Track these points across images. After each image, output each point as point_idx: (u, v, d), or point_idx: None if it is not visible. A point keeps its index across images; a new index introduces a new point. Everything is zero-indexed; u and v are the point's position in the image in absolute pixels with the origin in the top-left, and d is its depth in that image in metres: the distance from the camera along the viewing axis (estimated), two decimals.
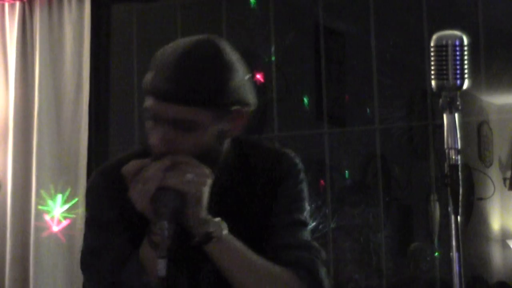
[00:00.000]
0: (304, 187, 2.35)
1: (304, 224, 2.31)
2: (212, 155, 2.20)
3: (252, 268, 2.27)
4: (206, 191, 2.15)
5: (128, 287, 2.24)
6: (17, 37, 5.34)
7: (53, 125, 5.17)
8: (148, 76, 2.15)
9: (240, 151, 2.37)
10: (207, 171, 2.14)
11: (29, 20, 5.36)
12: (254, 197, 2.32)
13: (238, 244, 2.22)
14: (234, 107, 2.19)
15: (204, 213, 2.16)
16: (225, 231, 2.20)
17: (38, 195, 5.03)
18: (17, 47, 5.30)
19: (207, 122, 2.17)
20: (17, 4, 5.34)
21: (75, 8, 5.20)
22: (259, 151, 2.42)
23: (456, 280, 2.24)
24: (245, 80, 2.20)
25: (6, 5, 5.35)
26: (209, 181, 2.14)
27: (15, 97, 5.26)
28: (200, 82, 2.15)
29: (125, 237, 2.29)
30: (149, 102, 2.15)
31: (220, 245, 2.21)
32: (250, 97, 2.21)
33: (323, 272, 2.26)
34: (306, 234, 2.31)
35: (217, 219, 2.20)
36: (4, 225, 5.17)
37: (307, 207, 2.36)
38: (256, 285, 2.27)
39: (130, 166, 2.15)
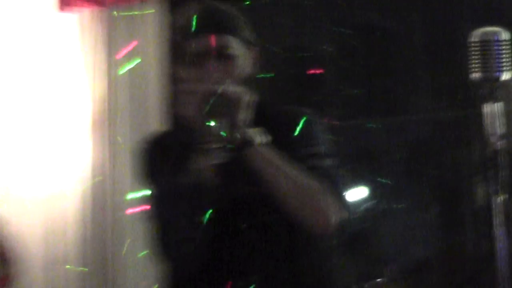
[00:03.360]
0: (320, 133, 2.66)
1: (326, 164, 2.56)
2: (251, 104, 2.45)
3: (291, 179, 2.45)
4: (248, 101, 2.44)
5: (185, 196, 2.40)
6: (102, 38, 5.39)
7: (135, 118, 5.29)
8: (179, 32, 2.63)
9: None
10: (247, 90, 2.45)
11: (112, 23, 5.40)
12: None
13: (273, 152, 2.44)
14: (252, 47, 2.66)
15: (244, 121, 2.42)
16: (265, 139, 2.44)
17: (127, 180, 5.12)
18: (103, 48, 5.38)
19: (240, 53, 2.59)
20: (100, 10, 5.39)
21: (153, 15, 5.28)
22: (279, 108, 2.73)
23: (500, 255, 2.54)
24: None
25: (94, 12, 5.39)
26: (251, 98, 2.45)
27: (105, 90, 5.37)
28: (232, 18, 2.63)
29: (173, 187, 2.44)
30: (193, 46, 2.53)
31: (257, 152, 2.44)
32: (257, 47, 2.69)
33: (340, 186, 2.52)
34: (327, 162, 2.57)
35: (258, 128, 2.45)
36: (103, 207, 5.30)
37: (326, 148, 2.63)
38: (290, 191, 2.44)
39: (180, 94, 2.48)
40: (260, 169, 2.44)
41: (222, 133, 2.37)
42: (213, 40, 2.54)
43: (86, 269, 5.30)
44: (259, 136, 2.44)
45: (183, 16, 2.63)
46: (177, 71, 2.65)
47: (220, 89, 2.40)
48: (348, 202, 2.54)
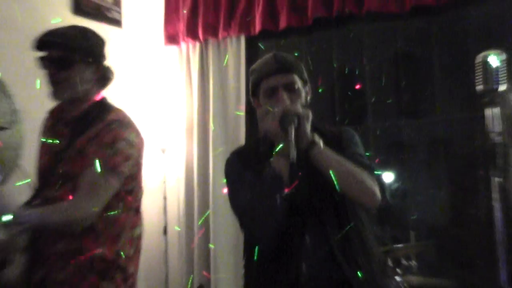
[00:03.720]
0: (357, 138, 2.72)
1: (368, 164, 2.61)
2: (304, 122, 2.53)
3: (345, 168, 2.51)
4: (310, 117, 2.54)
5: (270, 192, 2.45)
6: (198, 65, 5.41)
7: (224, 126, 5.33)
8: (256, 74, 2.71)
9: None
10: (307, 110, 2.55)
11: (205, 54, 5.42)
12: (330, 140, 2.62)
13: (330, 151, 2.52)
14: (308, 84, 2.73)
15: (309, 130, 2.53)
16: (321, 143, 2.53)
17: (214, 169, 5.18)
18: (198, 72, 5.41)
19: (301, 88, 2.67)
20: (197, 44, 5.41)
21: (235, 45, 5.28)
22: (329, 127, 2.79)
23: (498, 223, 2.60)
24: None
25: (190, 45, 5.45)
26: (310, 115, 2.55)
27: (198, 106, 5.41)
28: (293, 63, 2.70)
29: (256, 181, 2.51)
30: (268, 83, 2.64)
31: (321, 152, 2.51)
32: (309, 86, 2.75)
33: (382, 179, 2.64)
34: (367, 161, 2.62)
35: (316, 135, 2.55)
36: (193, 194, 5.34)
37: (363, 151, 2.69)
38: (351, 181, 2.49)
39: (261, 115, 2.58)
40: (322, 162, 2.51)
41: (292, 142, 2.42)
42: (284, 78, 2.65)
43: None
44: (318, 139, 2.55)
45: (261, 62, 2.74)
46: (255, 100, 2.75)
47: (292, 110, 2.50)
48: (385, 184, 2.59)
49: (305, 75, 2.73)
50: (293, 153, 2.40)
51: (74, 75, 2.86)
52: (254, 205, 2.49)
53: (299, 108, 2.56)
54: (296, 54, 4.58)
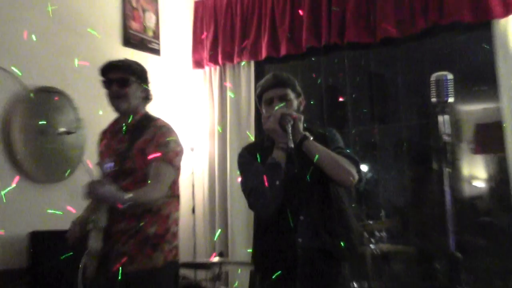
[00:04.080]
0: (338, 136, 2.71)
1: (347, 154, 2.60)
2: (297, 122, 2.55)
3: (329, 155, 2.53)
4: (302, 119, 2.57)
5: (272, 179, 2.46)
6: (218, 83, 5.40)
7: (238, 130, 5.27)
8: (259, 88, 2.72)
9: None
10: (299, 114, 2.59)
11: (223, 75, 5.39)
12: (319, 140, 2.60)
13: (318, 143, 2.55)
14: (300, 97, 2.72)
15: (301, 128, 2.55)
16: (311, 138, 2.55)
17: (231, 164, 5.03)
18: (218, 89, 5.39)
19: (293, 98, 2.67)
20: (217, 68, 5.39)
21: (246, 69, 5.26)
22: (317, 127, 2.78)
23: (447, 203, 2.60)
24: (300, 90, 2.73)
25: (212, 68, 5.43)
26: (301, 117, 2.57)
27: (218, 115, 5.37)
28: (289, 79, 2.71)
29: (260, 169, 2.54)
30: (267, 94, 2.66)
31: (311, 143, 2.54)
32: (303, 97, 2.74)
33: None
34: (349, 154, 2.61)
35: (307, 132, 2.57)
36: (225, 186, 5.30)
37: (342, 143, 2.68)
38: (333, 164, 2.50)
39: (265, 118, 2.61)
40: (311, 151, 2.53)
41: (289, 135, 2.48)
42: (279, 91, 2.68)
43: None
44: (309, 135, 2.57)
45: (263, 79, 2.76)
46: (261, 108, 2.77)
47: (285, 113, 2.54)
48: (361, 167, 2.60)
49: (298, 89, 2.73)
50: (291, 144, 2.43)
51: (131, 92, 2.92)
52: (259, 187, 2.49)
53: (293, 112, 2.58)
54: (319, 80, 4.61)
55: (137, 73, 2.97)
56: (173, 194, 2.91)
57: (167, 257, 2.83)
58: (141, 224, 2.79)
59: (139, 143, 2.85)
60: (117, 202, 2.58)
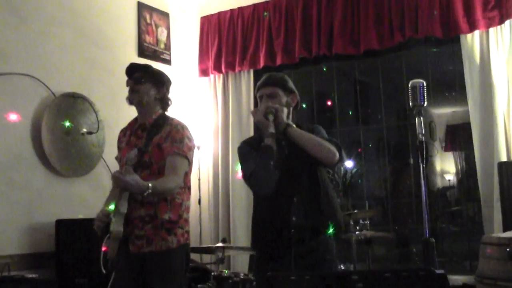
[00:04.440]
0: (322, 130, 2.68)
1: (329, 139, 2.60)
2: (286, 112, 2.60)
3: (311, 137, 2.55)
4: (285, 111, 2.58)
5: (266, 163, 2.47)
6: (221, 90, 5.35)
7: (239, 130, 5.22)
8: (256, 88, 2.73)
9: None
10: (282, 107, 2.59)
11: (226, 82, 5.35)
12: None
13: (301, 130, 2.57)
14: (292, 94, 2.71)
15: (284, 118, 2.57)
16: (294, 126, 2.58)
17: (233, 160, 4.98)
18: (221, 94, 5.34)
19: (282, 95, 2.66)
20: (221, 76, 5.34)
21: (246, 77, 5.23)
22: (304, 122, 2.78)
23: (423, 194, 2.62)
24: (294, 88, 2.73)
25: (216, 76, 5.37)
26: (286, 110, 2.59)
27: (221, 117, 5.31)
28: (279, 79, 2.70)
29: (255, 154, 2.54)
30: (260, 92, 2.66)
31: (294, 129, 2.56)
32: (296, 94, 2.73)
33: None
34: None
35: (290, 121, 2.60)
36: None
37: (326, 135, 2.65)
38: (315, 145, 2.51)
39: (253, 112, 2.65)
40: (295, 136, 2.55)
41: (271, 122, 2.52)
42: (268, 89, 2.67)
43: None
44: (292, 124, 2.60)
45: (260, 81, 2.76)
46: (259, 103, 2.76)
47: (270, 106, 2.57)
48: (342, 151, 2.61)
49: (290, 86, 2.72)
50: (272, 130, 2.49)
51: (143, 89, 2.94)
52: (257, 169, 2.50)
53: (276, 106, 2.59)
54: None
55: (151, 74, 3.00)
56: (186, 185, 2.92)
57: (180, 240, 2.86)
58: (157, 210, 2.82)
59: (156, 139, 2.86)
60: (140, 189, 2.61)
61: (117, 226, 2.73)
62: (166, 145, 2.84)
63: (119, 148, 3.10)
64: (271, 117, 2.52)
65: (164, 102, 3.05)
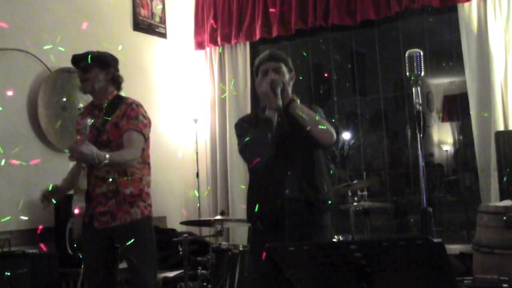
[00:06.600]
0: (321, 111, 2.68)
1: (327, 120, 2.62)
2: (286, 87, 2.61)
3: (313, 115, 2.55)
4: (291, 85, 2.64)
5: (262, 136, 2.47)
6: (218, 62, 5.27)
7: (236, 103, 5.17)
8: (258, 61, 2.74)
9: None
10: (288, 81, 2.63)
11: (223, 55, 5.28)
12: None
13: (303, 106, 2.58)
14: (291, 72, 2.73)
15: (290, 92, 2.61)
16: (298, 101, 2.59)
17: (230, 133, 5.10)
18: (218, 67, 5.26)
19: (285, 71, 2.68)
20: (217, 48, 5.26)
21: (242, 49, 5.16)
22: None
23: (420, 164, 2.64)
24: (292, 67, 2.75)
25: (212, 49, 5.32)
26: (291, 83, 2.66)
27: (218, 90, 5.27)
28: (281, 56, 2.72)
29: (253, 130, 2.54)
30: (265, 66, 2.67)
31: (298, 104, 2.56)
32: (293, 73, 2.75)
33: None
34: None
35: (294, 96, 2.62)
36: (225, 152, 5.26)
37: (324, 117, 2.65)
38: (316, 123, 2.51)
39: (258, 82, 2.66)
40: (298, 112, 2.55)
41: (279, 96, 2.52)
42: (274, 64, 2.69)
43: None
44: (296, 98, 2.61)
45: (261, 54, 2.77)
46: (256, 78, 2.76)
47: (278, 79, 2.57)
48: (339, 135, 2.61)
49: (290, 65, 2.75)
50: (279, 103, 2.49)
51: (92, 76, 3.00)
52: (253, 140, 2.51)
53: (283, 79, 2.61)
54: (304, 54, 4.67)
55: (96, 60, 3.02)
56: (144, 161, 3.01)
57: (144, 212, 2.97)
58: (118, 186, 2.91)
59: (112, 118, 2.94)
60: (97, 160, 2.64)
61: (79, 203, 2.81)
62: (123, 123, 2.91)
63: (76, 130, 3.09)
64: (279, 90, 2.53)
65: (116, 81, 3.10)
